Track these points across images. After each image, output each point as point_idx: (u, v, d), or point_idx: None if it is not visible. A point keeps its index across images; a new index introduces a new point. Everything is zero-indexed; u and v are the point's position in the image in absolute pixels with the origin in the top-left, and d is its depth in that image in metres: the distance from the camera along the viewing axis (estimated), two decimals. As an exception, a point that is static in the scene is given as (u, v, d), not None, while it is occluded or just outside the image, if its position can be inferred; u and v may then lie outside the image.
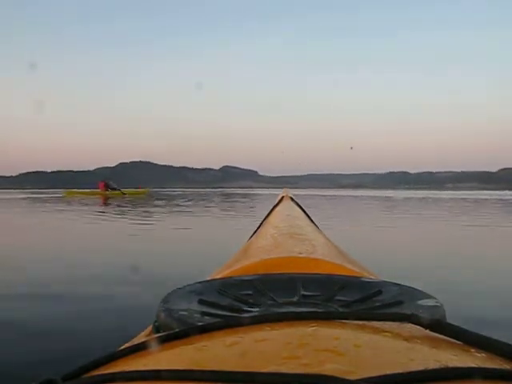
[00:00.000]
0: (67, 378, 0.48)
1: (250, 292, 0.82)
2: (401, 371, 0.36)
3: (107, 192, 28.53)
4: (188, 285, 0.82)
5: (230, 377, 0.38)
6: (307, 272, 0.92)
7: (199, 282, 0.85)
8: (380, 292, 0.79)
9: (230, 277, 0.92)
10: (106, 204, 19.10)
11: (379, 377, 0.36)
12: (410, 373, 0.36)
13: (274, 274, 0.91)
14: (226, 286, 0.83)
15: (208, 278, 1.01)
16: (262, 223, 2.03)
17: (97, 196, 27.36)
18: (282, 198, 2.75)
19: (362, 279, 0.87)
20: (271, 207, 2.43)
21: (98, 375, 0.45)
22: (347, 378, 0.35)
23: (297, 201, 2.68)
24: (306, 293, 0.82)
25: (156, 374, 0.41)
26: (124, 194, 28.82)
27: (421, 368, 0.38)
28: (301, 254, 1.10)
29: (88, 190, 30.68)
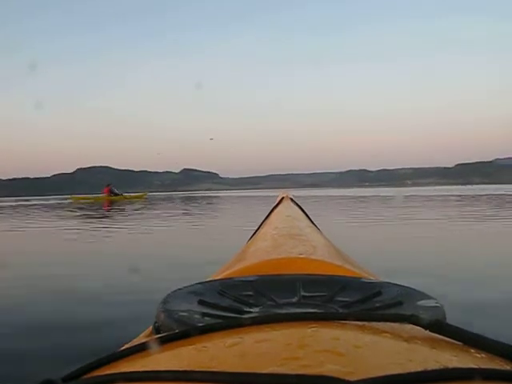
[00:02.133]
0: (67, 378, 0.48)
1: (250, 293, 0.82)
2: (401, 372, 0.36)
3: (111, 197, 29.14)
4: (188, 286, 0.82)
5: (230, 377, 0.38)
6: (307, 273, 0.92)
7: (199, 283, 0.85)
8: (380, 293, 0.79)
9: (230, 278, 0.92)
10: (116, 208, 18.75)
11: (379, 378, 0.36)
12: (410, 373, 0.36)
13: (274, 274, 0.91)
14: (226, 286, 0.83)
15: (208, 279, 1.01)
16: (261, 224, 2.03)
17: (101, 201, 27.96)
18: (282, 198, 2.75)
19: (362, 280, 0.87)
20: (271, 208, 2.43)
21: (98, 376, 0.45)
22: (347, 378, 0.35)
23: (297, 202, 2.68)
24: (306, 294, 0.82)
25: (156, 375, 0.41)
26: (125, 197, 29.57)
27: (421, 369, 0.38)
28: (301, 254, 1.10)
29: (93, 196, 31.60)
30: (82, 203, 26.42)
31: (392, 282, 0.85)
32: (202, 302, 0.75)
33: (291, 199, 2.75)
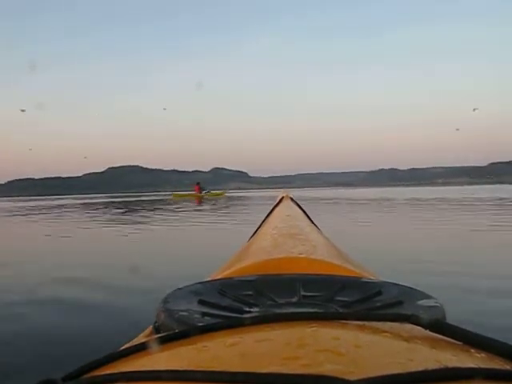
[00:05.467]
0: (67, 378, 0.48)
1: (250, 292, 0.82)
2: (401, 371, 0.36)
3: (201, 194, 32.40)
4: (188, 285, 0.82)
5: (230, 377, 0.38)
6: (307, 272, 0.92)
7: (199, 283, 0.85)
8: (380, 292, 0.79)
9: (230, 277, 0.92)
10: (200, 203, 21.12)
11: (379, 377, 0.36)
12: (410, 373, 0.36)
13: (274, 274, 0.91)
14: (226, 286, 0.83)
15: (208, 279, 1.01)
16: (261, 223, 2.03)
17: (194, 197, 31.43)
18: (282, 198, 2.75)
19: (362, 280, 0.87)
20: (271, 207, 2.43)
21: (98, 376, 0.45)
22: (347, 378, 0.35)
23: (297, 201, 2.68)
24: (305, 293, 0.82)
25: (156, 375, 0.41)
26: (211, 194, 33.17)
27: (421, 368, 0.38)
28: (301, 254, 1.10)
29: (187, 193, 36.18)
30: (182, 199, 30.07)
31: (392, 281, 0.85)
32: (202, 302, 0.75)
33: (291, 199, 2.76)
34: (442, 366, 0.40)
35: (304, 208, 2.46)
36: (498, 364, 0.42)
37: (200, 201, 25.26)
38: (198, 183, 34.25)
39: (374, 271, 1.22)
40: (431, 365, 0.40)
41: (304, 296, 0.81)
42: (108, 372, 0.45)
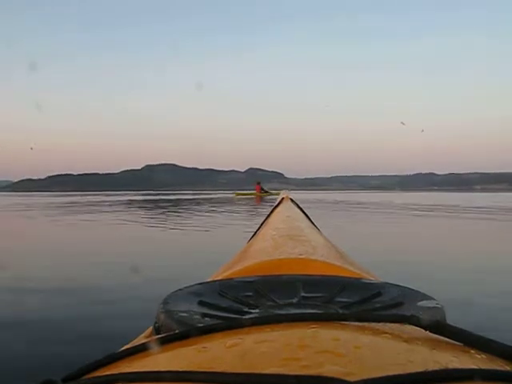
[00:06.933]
0: (67, 379, 0.48)
1: (250, 293, 0.82)
2: (401, 372, 0.36)
3: (261, 193, 33.13)
4: (188, 286, 0.82)
5: (230, 378, 0.38)
6: (307, 273, 0.92)
7: (199, 284, 0.85)
8: (380, 293, 0.79)
9: (230, 278, 0.92)
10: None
11: (379, 378, 0.36)
12: (410, 374, 0.36)
13: (274, 275, 0.91)
14: (226, 287, 0.83)
15: (208, 280, 1.01)
16: (262, 224, 2.03)
17: (255, 196, 32.36)
18: (282, 199, 2.75)
19: (362, 281, 0.87)
20: (271, 209, 2.43)
21: (98, 376, 0.45)
22: (347, 379, 0.35)
23: (297, 202, 2.68)
24: (306, 294, 0.82)
25: (156, 376, 0.41)
26: (271, 193, 33.40)
27: (421, 369, 0.38)
28: (301, 255, 1.10)
29: (249, 192, 36.82)
30: (243, 197, 30.82)
31: (392, 282, 0.85)
32: (202, 303, 0.75)
33: (291, 200, 2.76)
34: (442, 367, 0.40)
35: (305, 209, 2.46)
36: (498, 365, 0.42)
37: (260, 200, 25.43)
38: (258, 183, 34.59)
39: (374, 272, 1.22)
40: (431, 366, 0.40)
41: (304, 297, 0.81)
42: (108, 373, 0.45)
